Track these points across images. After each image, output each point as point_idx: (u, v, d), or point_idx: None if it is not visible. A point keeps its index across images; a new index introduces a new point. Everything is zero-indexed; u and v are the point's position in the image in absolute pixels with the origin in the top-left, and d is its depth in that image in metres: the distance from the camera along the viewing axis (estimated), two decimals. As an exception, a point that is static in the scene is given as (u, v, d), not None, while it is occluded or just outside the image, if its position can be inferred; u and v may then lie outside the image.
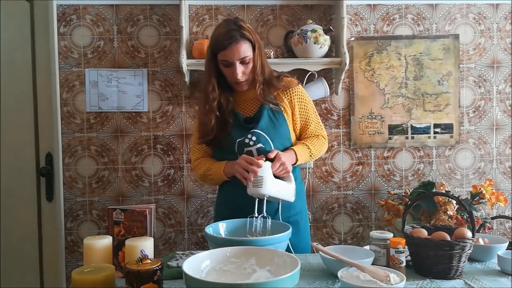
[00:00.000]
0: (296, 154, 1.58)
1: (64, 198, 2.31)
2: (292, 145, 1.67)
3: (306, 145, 1.63)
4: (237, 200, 1.61)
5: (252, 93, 1.62)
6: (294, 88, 1.67)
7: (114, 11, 2.32)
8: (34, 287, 2.29)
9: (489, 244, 1.42)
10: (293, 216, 1.64)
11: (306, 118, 1.69)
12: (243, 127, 1.61)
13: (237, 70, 1.54)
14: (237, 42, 1.51)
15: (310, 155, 1.64)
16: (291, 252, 1.51)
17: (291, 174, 1.56)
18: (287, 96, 1.65)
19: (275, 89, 1.62)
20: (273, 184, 1.47)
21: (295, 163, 1.59)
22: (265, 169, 1.46)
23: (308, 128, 1.70)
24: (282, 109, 1.63)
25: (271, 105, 1.60)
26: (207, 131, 1.62)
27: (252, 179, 1.44)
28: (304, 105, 1.68)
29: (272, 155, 1.51)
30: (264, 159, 1.48)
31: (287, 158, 1.53)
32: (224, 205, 1.67)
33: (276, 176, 1.51)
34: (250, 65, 1.57)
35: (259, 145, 1.59)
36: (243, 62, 1.55)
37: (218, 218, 1.60)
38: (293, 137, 1.67)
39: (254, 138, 1.59)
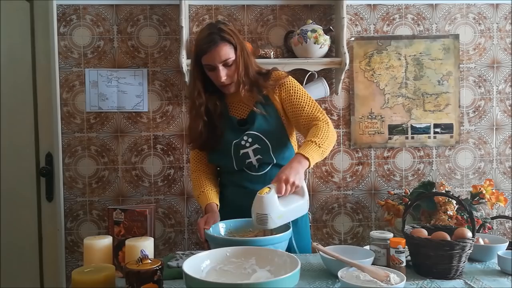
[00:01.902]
0: (305, 157, 1.41)
1: (64, 198, 2.31)
2: (290, 142, 1.67)
3: (312, 141, 1.45)
4: (237, 199, 1.62)
5: (245, 95, 1.60)
6: (282, 82, 1.62)
7: (114, 11, 2.32)
8: (34, 287, 2.29)
9: (489, 244, 1.42)
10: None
11: (297, 103, 1.58)
12: (237, 129, 1.61)
13: (220, 73, 1.54)
14: (217, 45, 1.51)
15: (322, 152, 1.45)
16: (295, 252, 1.51)
17: (303, 185, 1.41)
18: (276, 92, 1.62)
19: (262, 88, 1.60)
20: (280, 215, 1.32)
21: (309, 167, 1.42)
22: (270, 204, 1.30)
23: (302, 113, 1.57)
24: (274, 106, 1.62)
25: (255, 108, 1.58)
26: (195, 136, 1.63)
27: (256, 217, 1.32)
28: (294, 92, 1.60)
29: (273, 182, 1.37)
30: (269, 189, 1.32)
31: (290, 172, 1.36)
32: (224, 204, 1.68)
33: None
34: (234, 67, 1.55)
35: (255, 146, 1.59)
36: (226, 64, 1.54)
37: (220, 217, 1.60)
38: (290, 133, 1.67)
39: (250, 140, 1.59)
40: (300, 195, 1.41)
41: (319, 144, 1.45)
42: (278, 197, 1.33)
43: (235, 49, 1.54)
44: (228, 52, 1.53)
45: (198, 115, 1.60)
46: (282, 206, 1.33)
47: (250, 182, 1.62)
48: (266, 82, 1.61)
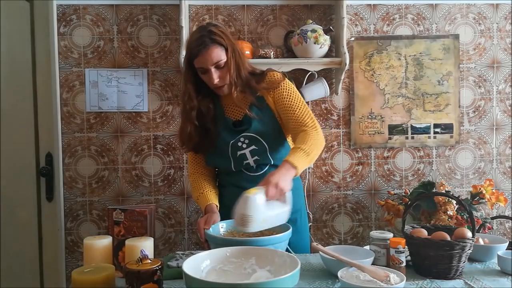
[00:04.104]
0: (293, 165, 1.39)
1: (64, 198, 2.31)
2: (287, 141, 1.67)
3: (301, 149, 1.45)
4: (236, 199, 1.60)
5: (238, 96, 1.59)
6: (277, 85, 1.60)
7: (114, 11, 2.32)
8: (34, 287, 2.29)
9: (489, 244, 1.42)
10: (292, 214, 1.64)
11: (289, 106, 1.57)
12: (233, 130, 1.61)
13: (212, 75, 1.53)
14: (208, 48, 1.50)
15: (310, 160, 1.46)
16: (289, 252, 1.51)
17: (288, 193, 1.38)
18: (271, 93, 1.62)
19: (256, 90, 1.60)
20: (264, 219, 1.29)
21: (295, 175, 1.41)
22: (256, 206, 1.26)
23: (292, 116, 1.56)
24: (269, 107, 1.61)
25: (248, 112, 1.57)
26: (185, 139, 1.63)
27: (238, 218, 1.30)
28: (287, 94, 1.59)
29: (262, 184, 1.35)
30: (258, 190, 1.30)
31: (279, 177, 1.34)
32: (223, 204, 1.67)
33: None
34: (226, 69, 1.55)
35: (252, 147, 1.59)
36: (218, 66, 1.53)
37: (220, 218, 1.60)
38: (286, 133, 1.66)
39: (246, 141, 1.59)
40: (284, 203, 1.37)
41: (307, 152, 1.44)
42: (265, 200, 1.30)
43: (226, 50, 1.54)
44: (219, 54, 1.52)
45: (188, 119, 1.60)
46: (267, 210, 1.29)
47: (248, 183, 1.61)
48: (259, 84, 1.61)
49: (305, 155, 1.44)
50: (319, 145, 1.51)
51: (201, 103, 1.61)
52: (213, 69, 1.53)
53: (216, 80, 1.54)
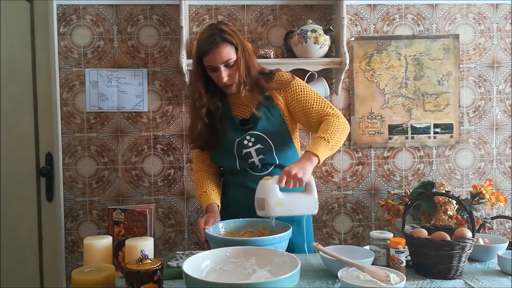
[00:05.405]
0: (314, 154, 1.42)
1: (64, 198, 2.31)
2: (293, 142, 1.67)
3: (321, 137, 1.46)
4: (240, 198, 1.62)
5: (246, 95, 1.60)
6: (289, 86, 1.61)
7: (114, 11, 2.32)
8: (34, 287, 2.29)
9: (489, 244, 1.42)
10: (296, 215, 1.64)
11: (306, 102, 1.59)
12: (239, 128, 1.61)
13: (222, 74, 1.54)
14: (218, 46, 1.51)
15: (332, 147, 1.47)
16: (304, 252, 1.52)
17: (311, 182, 1.42)
18: (281, 93, 1.62)
19: (264, 89, 1.60)
20: (280, 204, 1.36)
21: (318, 163, 1.43)
22: (267, 189, 1.37)
23: (312, 110, 1.57)
24: (277, 107, 1.61)
25: (255, 111, 1.58)
26: (195, 136, 1.64)
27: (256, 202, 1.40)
28: (300, 91, 1.60)
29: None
30: (270, 177, 1.40)
31: (295, 166, 1.39)
32: (227, 204, 1.68)
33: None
34: (235, 67, 1.55)
35: (258, 145, 1.59)
36: (227, 65, 1.54)
37: (221, 217, 1.60)
38: (292, 134, 1.66)
39: (252, 139, 1.59)
40: (307, 192, 1.42)
41: (327, 139, 1.46)
42: (281, 189, 1.38)
43: (236, 49, 1.54)
44: (229, 53, 1.53)
45: (198, 117, 1.60)
46: (282, 195, 1.38)
47: (253, 182, 1.60)
48: (268, 83, 1.61)
49: (325, 143, 1.46)
50: (341, 130, 1.52)
51: (210, 101, 1.61)
52: (222, 68, 1.53)
53: (225, 78, 1.55)
